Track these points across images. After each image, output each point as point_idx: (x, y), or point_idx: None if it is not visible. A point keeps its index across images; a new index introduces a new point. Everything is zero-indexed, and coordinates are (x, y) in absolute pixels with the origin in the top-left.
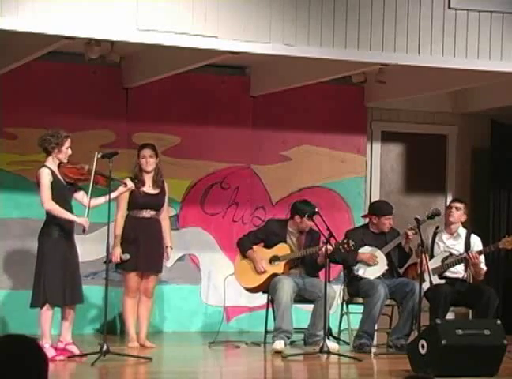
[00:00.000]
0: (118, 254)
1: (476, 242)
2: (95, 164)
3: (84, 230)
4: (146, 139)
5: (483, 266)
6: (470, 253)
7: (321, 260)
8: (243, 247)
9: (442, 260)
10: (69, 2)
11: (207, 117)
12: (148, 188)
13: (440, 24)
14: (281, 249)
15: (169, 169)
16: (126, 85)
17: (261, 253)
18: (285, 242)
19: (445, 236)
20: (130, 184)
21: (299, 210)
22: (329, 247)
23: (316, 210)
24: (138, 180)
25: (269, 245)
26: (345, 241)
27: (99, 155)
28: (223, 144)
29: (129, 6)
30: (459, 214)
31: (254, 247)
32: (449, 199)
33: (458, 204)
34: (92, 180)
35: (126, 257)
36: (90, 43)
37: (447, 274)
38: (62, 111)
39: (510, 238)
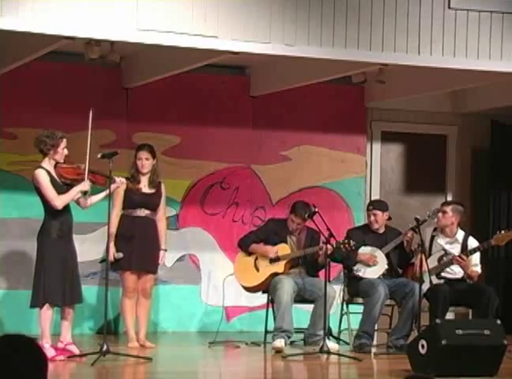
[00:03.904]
0: (111, 253)
1: (473, 246)
2: (89, 134)
3: (85, 193)
4: (146, 139)
5: (477, 268)
6: (457, 257)
7: (321, 259)
8: (245, 244)
9: (438, 260)
10: (69, 2)
11: (207, 117)
12: (144, 187)
13: (440, 24)
14: (282, 249)
15: (169, 169)
16: (126, 85)
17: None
18: (286, 241)
19: (442, 240)
20: (119, 180)
21: (293, 209)
22: (329, 247)
23: (315, 210)
24: (134, 179)
25: (269, 244)
26: (346, 241)
27: (99, 156)
28: (223, 144)
29: (129, 6)
30: (447, 217)
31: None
32: (449, 199)
33: (444, 208)
34: (86, 175)
35: (119, 255)
36: (90, 43)
37: (446, 275)
38: (62, 111)
39: (501, 235)
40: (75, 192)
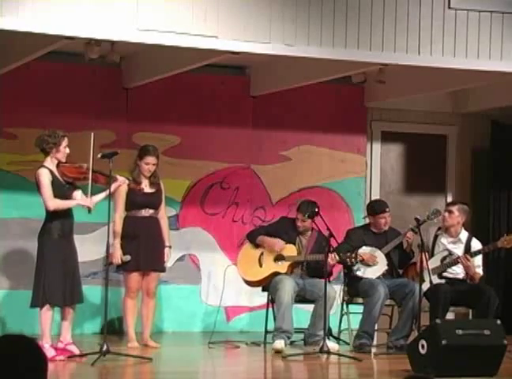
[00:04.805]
0: (118, 256)
1: (476, 247)
2: (91, 157)
3: (89, 211)
4: (146, 139)
5: (479, 270)
6: (462, 257)
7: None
8: (254, 236)
9: (441, 260)
10: (69, 2)
11: (207, 117)
12: (145, 187)
13: (440, 24)
14: (288, 250)
15: (169, 169)
16: (126, 85)
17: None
18: (294, 241)
19: (446, 240)
20: (122, 179)
21: (298, 206)
22: (334, 257)
23: (315, 210)
24: (136, 182)
25: None
26: (353, 255)
27: (99, 155)
28: (223, 144)
29: (129, 6)
30: (453, 217)
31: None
32: (449, 199)
33: (450, 208)
34: (90, 177)
35: (127, 258)
36: (90, 43)
37: (447, 274)
38: (62, 111)
39: (509, 237)
40: (73, 204)
